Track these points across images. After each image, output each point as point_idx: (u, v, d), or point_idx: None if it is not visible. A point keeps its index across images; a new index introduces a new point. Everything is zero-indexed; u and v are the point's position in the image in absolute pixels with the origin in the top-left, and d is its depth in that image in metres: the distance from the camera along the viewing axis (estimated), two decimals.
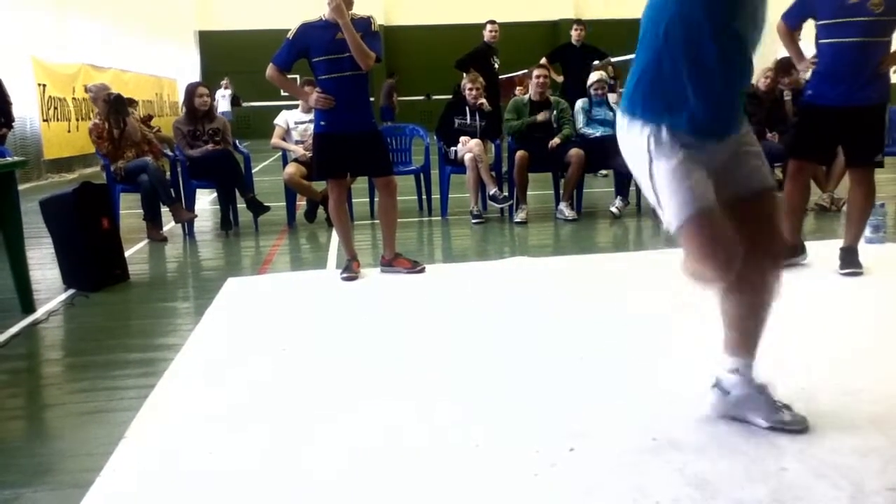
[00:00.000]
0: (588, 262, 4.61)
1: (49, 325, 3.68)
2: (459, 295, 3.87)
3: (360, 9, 4.16)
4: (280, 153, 6.59)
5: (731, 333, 2.22)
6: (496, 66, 8.02)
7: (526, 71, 7.15)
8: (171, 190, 5.93)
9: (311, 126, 5.19)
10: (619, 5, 18.35)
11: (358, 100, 4.16)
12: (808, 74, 4.14)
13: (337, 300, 3.89)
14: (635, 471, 1.99)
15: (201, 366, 2.96)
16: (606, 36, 10.75)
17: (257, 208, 5.98)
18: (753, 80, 6.54)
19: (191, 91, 6.09)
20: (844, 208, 5.47)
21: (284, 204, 6.25)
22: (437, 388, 2.62)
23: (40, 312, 3.84)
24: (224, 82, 18.00)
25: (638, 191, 5.97)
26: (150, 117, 11.28)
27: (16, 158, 4.27)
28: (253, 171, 6.64)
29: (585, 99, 6.51)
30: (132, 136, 5.94)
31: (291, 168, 6.02)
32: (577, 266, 4.49)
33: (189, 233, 5.94)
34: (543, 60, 6.34)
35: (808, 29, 3.99)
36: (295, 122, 6.25)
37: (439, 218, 6.34)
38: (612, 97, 6.86)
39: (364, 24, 4.08)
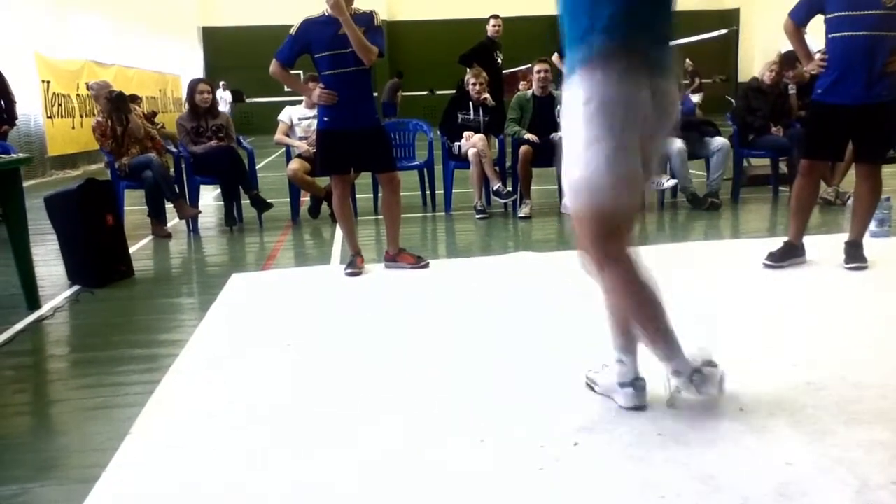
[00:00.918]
0: None
1: (54, 321, 3.69)
2: (463, 290, 3.87)
3: (362, 3, 4.15)
4: (284, 149, 6.59)
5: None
6: (499, 61, 8.01)
7: (529, 66, 7.13)
8: (175, 186, 5.95)
9: (315, 122, 5.19)
10: None
11: (361, 95, 4.15)
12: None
13: (341, 296, 3.89)
14: (640, 465, 1.99)
15: (206, 361, 2.97)
16: None
17: (261, 204, 5.99)
18: (758, 74, 6.52)
19: (191, 88, 6.12)
20: (849, 202, 5.46)
21: (288, 200, 6.25)
22: (442, 383, 2.62)
23: (45, 309, 3.85)
24: (222, 83, 18.01)
25: None
26: (153, 114, 11.34)
27: (20, 155, 4.27)
28: (257, 167, 6.64)
29: None
30: (135, 133, 5.94)
31: (295, 164, 6.02)
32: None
33: (193, 229, 5.95)
34: (556, 57, 6.31)
35: (811, 26, 3.94)
36: (298, 117, 6.25)
37: (443, 213, 6.34)
38: None
39: (366, 19, 4.07)
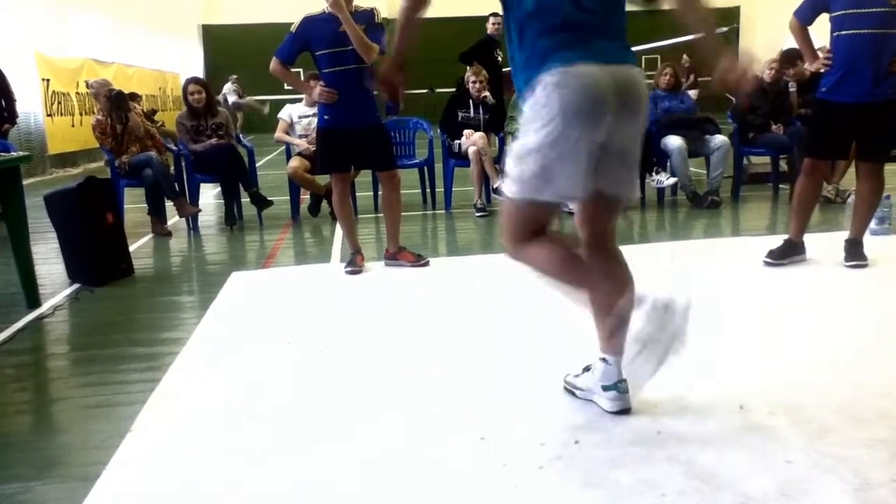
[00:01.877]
0: None
1: (54, 319, 3.69)
2: (463, 288, 3.87)
3: (363, 0, 4.15)
4: (284, 147, 6.59)
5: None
6: (499, 58, 7.99)
7: None
8: (175, 184, 5.95)
9: (315, 120, 5.19)
10: None
11: (361, 93, 4.14)
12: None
13: (341, 294, 3.89)
14: (641, 463, 1.99)
15: (206, 359, 2.97)
16: None
17: (261, 202, 5.99)
18: (758, 72, 6.51)
19: (183, 89, 6.18)
20: (850, 200, 5.46)
21: (288, 198, 6.25)
22: (442, 381, 2.62)
23: (46, 307, 3.85)
24: (232, 78, 18.08)
25: (643, 183, 5.95)
26: (153, 112, 11.32)
27: (20, 153, 4.27)
28: (257, 165, 6.64)
29: None
30: (135, 132, 5.95)
31: (295, 162, 6.02)
32: None
33: (193, 227, 5.95)
34: None
35: (815, 25, 3.93)
36: (299, 115, 6.25)
37: (443, 211, 6.34)
38: None
39: (367, 17, 4.06)
